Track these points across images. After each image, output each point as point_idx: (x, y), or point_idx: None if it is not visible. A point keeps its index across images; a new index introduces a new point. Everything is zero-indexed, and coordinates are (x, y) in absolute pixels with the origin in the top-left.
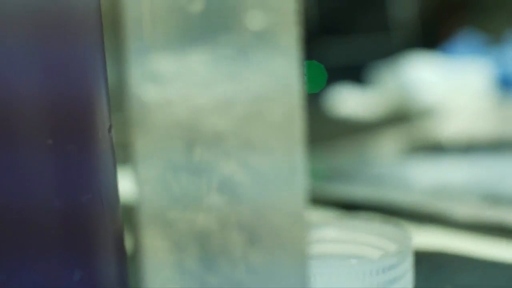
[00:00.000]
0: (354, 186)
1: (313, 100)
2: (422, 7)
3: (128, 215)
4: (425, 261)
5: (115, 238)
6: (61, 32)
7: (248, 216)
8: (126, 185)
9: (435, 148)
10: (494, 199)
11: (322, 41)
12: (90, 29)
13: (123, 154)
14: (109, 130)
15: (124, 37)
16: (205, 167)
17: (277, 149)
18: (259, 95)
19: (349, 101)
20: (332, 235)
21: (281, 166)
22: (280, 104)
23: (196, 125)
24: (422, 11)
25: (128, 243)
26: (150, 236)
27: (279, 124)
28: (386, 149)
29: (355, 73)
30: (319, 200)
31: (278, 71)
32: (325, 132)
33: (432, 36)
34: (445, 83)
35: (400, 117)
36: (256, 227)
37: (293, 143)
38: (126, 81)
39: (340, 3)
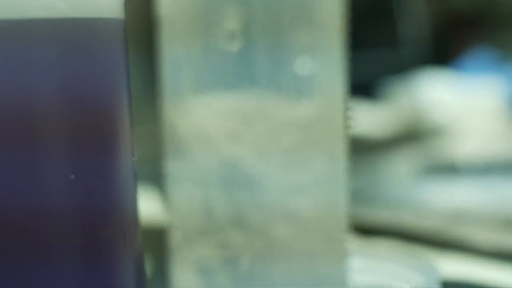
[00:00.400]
0: (368, 209)
1: None
2: (434, 23)
3: (153, 239)
4: None
5: (134, 263)
6: (85, 50)
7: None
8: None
9: (450, 169)
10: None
11: None
12: (114, 49)
13: (147, 170)
14: (132, 157)
15: (161, 77)
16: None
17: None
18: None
19: (361, 118)
20: (357, 264)
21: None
22: (323, 135)
23: (234, 162)
24: (434, 27)
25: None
26: (179, 261)
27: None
28: (400, 169)
29: (366, 90)
30: None
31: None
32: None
33: (444, 52)
34: (457, 101)
35: (412, 136)
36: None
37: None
38: (163, 121)
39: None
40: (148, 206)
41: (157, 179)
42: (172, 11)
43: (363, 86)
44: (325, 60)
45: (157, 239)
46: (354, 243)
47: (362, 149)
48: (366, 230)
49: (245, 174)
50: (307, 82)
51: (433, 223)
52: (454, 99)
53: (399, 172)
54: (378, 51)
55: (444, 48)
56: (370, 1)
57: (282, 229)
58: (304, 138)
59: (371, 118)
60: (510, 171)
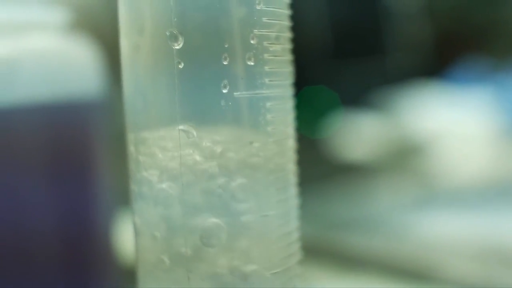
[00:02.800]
0: (354, 237)
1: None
2: (429, 33)
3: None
4: None
5: None
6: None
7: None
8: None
9: (439, 193)
10: (500, 256)
11: (330, 66)
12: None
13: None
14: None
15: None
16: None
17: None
18: None
19: (350, 135)
20: None
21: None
22: None
23: None
24: (428, 37)
25: None
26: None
27: None
28: (389, 194)
29: (355, 100)
30: (316, 251)
31: None
32: (326, 172)
33: (437, 62)
34: (449, 112)
35: (402, 156)
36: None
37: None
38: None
39: (341, 27)
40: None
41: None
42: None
43: (352, 96)
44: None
45: None
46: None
47: (351, 173)
48: (347, 259)
49: None
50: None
51: (415, 252)
52: (446, 110)
53: (388, 197)
54: (367, 61)
55: (438, 58)
56: (359, 11)
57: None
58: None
59: (360, 135)
60: (499, 194)
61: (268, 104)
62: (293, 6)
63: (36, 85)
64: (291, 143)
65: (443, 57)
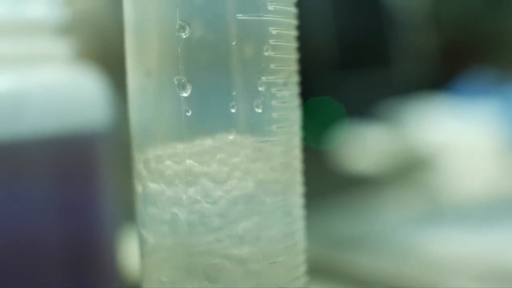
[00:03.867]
0: (358, 256)
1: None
2: (435, 44)
3: None
4: None
5: None
6: (75, 179)
7: None
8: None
9: (445, 208)
10: (506, 275)
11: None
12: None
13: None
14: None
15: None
16: None
17: None
18: None
19: (356, 147)
20: None
21: None
22: None
23: None
24: (434, 48)
25: None
26: None
27: None
28: (394, 209)
29: (363, 110)
30: (319, 271)
31: None
32: (331, 184)
33: (443, 73)
34: (455, 124)
35: (408, 170)
36: None
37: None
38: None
39: (347, 37)
40: None
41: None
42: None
43: (358, 107)
44: None
45: None
46: None
47: (356, 186)
48: (351, 279)
49: None
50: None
51: (420, 273)
52: (452, 123)
53: (395, 214)
54: (373, 72)
55: (440, 69)
56: (365, 22)
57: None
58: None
59: (366, 146)
60: (507, 212)
61: (277, 150)
62: (299, 16)
63: (43, 117)
64: (298, 189)
65: (449, 68)
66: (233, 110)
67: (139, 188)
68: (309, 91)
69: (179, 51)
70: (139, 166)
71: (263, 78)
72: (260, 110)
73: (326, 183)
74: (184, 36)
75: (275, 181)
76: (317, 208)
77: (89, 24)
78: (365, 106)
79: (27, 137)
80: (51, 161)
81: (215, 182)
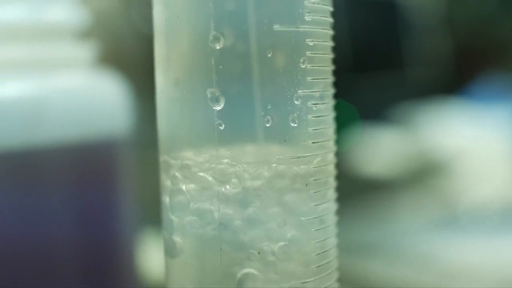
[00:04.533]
0: (373, 263)
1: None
2: (449, 47)
3: None
4: None
5: None
6: (95, 188)
7: None
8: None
9: (459, 214)
10: None
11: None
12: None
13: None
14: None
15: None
16: None
17: None
18: None
19: (370, 150)
20: None
21: None
22: None
23: None
24: (448, 51)
25: None
26: None
27: None
28: (408, 215)
29: (377, 113)
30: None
31: None
32: (344, 187)
33: (457, 77)
34: (469, 129)
35: (423, 174)
36: None
37: None
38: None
39: (360, 39)
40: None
41: None
42: None
43: (371, 110)
44: None
45: None
46: None
47: (370, 190)
48: (365, 286)
49: None
50: None
51: (435, 282)
52: (465, 131)
53: (409, 220)
54: (386, 75)
55: (454, 73)
56: (378, 24)
57: None
58: None
59: (379, 150)
60: None
61: (312, 166)
62: None
63: (64, 124)
64: (332, 206)
65: (463, 72)
66: (268, 125)
67: (166, 195)
68: None
69: (213, 62)
70: (167, 173)
71: (300, 91)
72: (295, 125)
73: (338, 186)
74: (218, 48)
75: (309, 198)
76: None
77: (102, 26)
78: (378, 109)
79: (47, 144)
80: (72, 168)
81: (246, 198)
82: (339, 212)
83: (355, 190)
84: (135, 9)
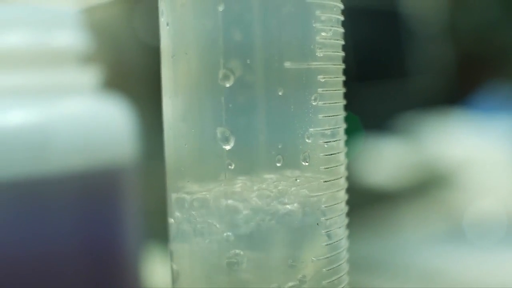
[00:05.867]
0: (376, 278)
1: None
2: (452, 56)
3: None
4: None
5: None
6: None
7: None
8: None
9: (464, 227)
10: None
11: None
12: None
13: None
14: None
15: None
16: None
17: None
18: None
19: (374, 162)
20: None
21: None
22: None
23: None
24: (451, 60)
25: None
26: None
27: None
28: (413, 227)
29: (380, 122)
30: None
31: None
32: (348, 200)
33: (461, 86)
34: (473, 140)
35: (426, 179)
36: None
37: None
38: None
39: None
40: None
41: None
42: None
43: (374, 119)
44: None
45: None
46: None
47: (373, 201)
48: None
49: None
50: None
51: None
52: (469, 141)
53: (412, 235)
54: (389, 84)
55: (457, 82)
56: (381, 33)
57: None
58: None
59: (382, 160)
60: None
61: (323, 205)
62: None
63: (70, 152)
64: (344, 243)
65: (466, 81)
66: (278, 164)
67: (173, 225)
68: None
69: (222, 100)
70: (174, 209)
71: (311, 129)
72: (307, 164)
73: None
74: (227, 85)
75: (320, 238)
76: None
77: (105, 37)
78: (381, 119)
79: (52, 173)
80: (77, 197)
81: (255, 238)
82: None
83: (358, 201)
84: (138, 20)
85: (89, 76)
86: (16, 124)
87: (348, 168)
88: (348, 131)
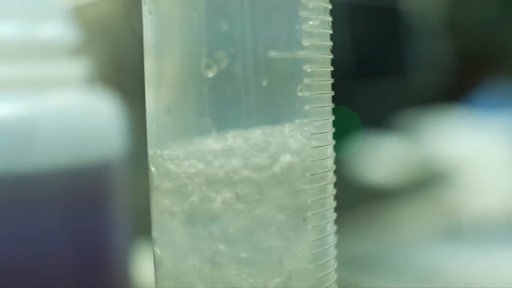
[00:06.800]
0: (375, 279)
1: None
2: (452, 53)
3: None
4: None
5: None
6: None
7: None
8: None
9: (463, 225)
10: None
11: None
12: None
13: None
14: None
15: None
16: None
17: None
18: None
19: (373, 158)
20: None
21: None
22: None
23: None
24: (451, 57)
25: None
26: None
27: None
28: (411, 225)
29: (379, 120)
30: None
31: None
32: (345, 195)
33: (460, 84)
34: (472, 138)
35: (425, 176)
36: None
37: None
38: None
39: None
40: None
41: None
42: None
43: (373, 117)
44: None
45: None
46: None
47: (371, 198)
48: None
49: None
50: None
51: None
52: (468, 139)
53: (413, 231)
54: (388, 82)
55: (457, 80)
56: (380, 30)
57: None
58: None
59: (381, 157)
60: None
61: (310, 200)
62: None
63: (56, 147)
64: (332, 239)
65: (466, 79)
66: None
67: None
68: None
69: (206, 91)
70: (157, 205)
71: (297, 120)
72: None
73: (339, 195)
74: (211, 76)
75: (307, 233)
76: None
77: (103, 32)
78: (380, 116)
79: (38, 168)
80: (64, 193)
81: (240, 234)
82: (338, 222)
83: (356, 199)
84: (137, 16)
85: (78, 69)
86: (0, 117)
87: (347, 165)
88: (347, 128)
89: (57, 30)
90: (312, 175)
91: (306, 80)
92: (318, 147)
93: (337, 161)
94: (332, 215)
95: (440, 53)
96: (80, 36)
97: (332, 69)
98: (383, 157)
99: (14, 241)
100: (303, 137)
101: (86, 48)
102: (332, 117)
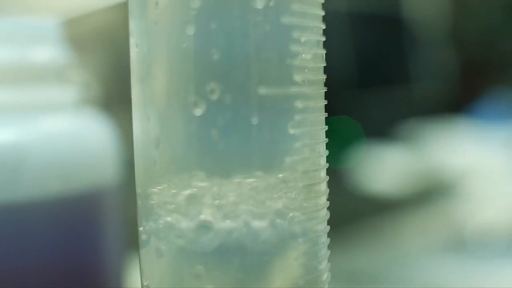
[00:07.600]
0: None
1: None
2: (455, 62)
3: None
4: None
5: None
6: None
7: None
8: None
9: (467, 237)
10: None
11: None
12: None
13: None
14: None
15: None
16: None
17: None
18: None
19: (376, 169)
20: None
21: None
22: None
23: None
24: (454, 66)
25: None
26: None
27: None
28: (414, 237)
29: (382, 130)
30: None
31: None
32: (347, 205)
33: (464, 94)
34: (476, 148)
35: (428, 187)
36: None
37: None
38: None
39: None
40: None
41: None
42: None
43: (376, 126)
44: None
45: None
46: None
47: (374, 208)
48: None
49: None
50: None
51: None
52: (472, 149)
53: (416, 245)
54: (391, 91)
55: (461, 89)
56: (383, 39)
57: None
58: None
59: (384, 167)
60: None
61: (301, 239)
62: None
63: (47, 174)
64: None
65: (469, 88)
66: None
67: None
68: (326, 110)
69: (193, 130)
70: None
71: (287, 158)
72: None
73: (341, 205)
74: (199, 114)
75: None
76: (332, 232)
77: (103, 40)
78: (383, 126)
79: (27, 198)
80: (56, 223)
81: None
82: (340, 234)
83: (359, 208)
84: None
85: (70, 93)
86: None
87: (349, 175)
88: (349, 138)
89: (49, 54)
90: (303, 213)
91: (297, 117)
92: (310, 185)
93: (340, 171)
94: (326, 254)
95: (444, 62)
96: (73, 58)
97: (326, 103)
98: (386, 167)
99: (4, 270)
100: (295, 174)
101: (83, 62)
102: (325, 151)
